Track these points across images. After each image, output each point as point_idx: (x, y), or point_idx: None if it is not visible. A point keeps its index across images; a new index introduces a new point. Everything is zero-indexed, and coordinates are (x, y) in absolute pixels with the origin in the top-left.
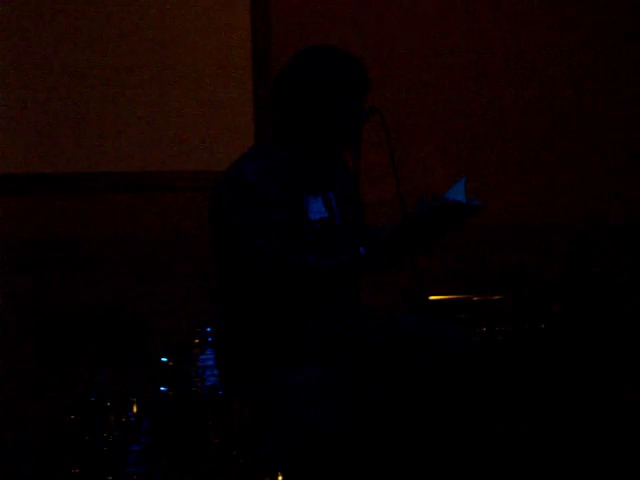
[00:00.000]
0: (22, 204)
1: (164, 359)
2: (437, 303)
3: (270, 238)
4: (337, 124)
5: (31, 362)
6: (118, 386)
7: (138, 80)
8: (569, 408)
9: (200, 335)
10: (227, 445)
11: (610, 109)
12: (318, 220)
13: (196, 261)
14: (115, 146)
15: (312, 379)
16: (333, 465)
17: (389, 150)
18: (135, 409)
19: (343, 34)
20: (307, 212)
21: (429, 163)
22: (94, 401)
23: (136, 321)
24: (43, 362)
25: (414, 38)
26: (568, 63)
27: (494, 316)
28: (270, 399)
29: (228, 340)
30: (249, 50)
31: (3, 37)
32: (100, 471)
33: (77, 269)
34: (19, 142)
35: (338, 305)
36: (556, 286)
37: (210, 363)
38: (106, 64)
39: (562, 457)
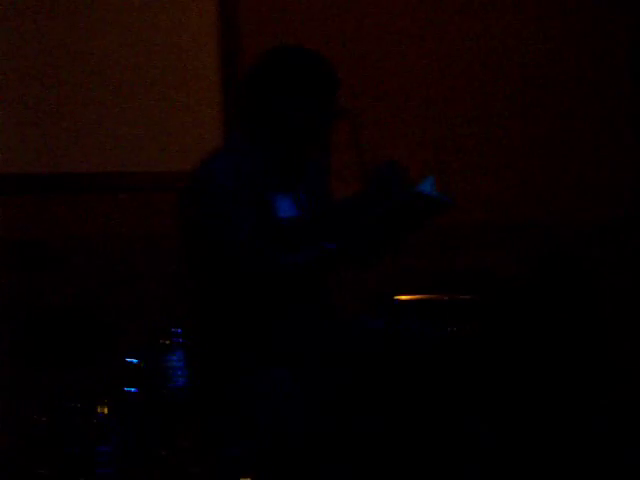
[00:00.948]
0: None
1: (133, 360)
2: (405, 303)
3: (241, 234)
4: (301, 124)
5: (0, 362)
6: (87, 387)
7: (109, 83)
8: (544, 409)
9: (169, 336)
10: (196, 446)
11: (590, 106)
12: (287, 218)
13: (166, 261)
14: (84, 147)
15: (281, 380)
16: (302, 467)
17: (357, 148)
18: (104, 410)
19: (315, 35)
20: (276, 210)
21: (398, 160)
22: (63, 402)
23: (105, 321)
24: (12, 362)
25: (389, 39)
26: (547, 61)
27: (463, 316)
28: (239, 400)
29: (199, 341)
30: (217, 50)
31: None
32: (69, 472)
33: (46, 269)
34: None
35: (307, 306)
36: (528, 285)
37: (179, 364)
38: (77, 68)
39: (539, 459)
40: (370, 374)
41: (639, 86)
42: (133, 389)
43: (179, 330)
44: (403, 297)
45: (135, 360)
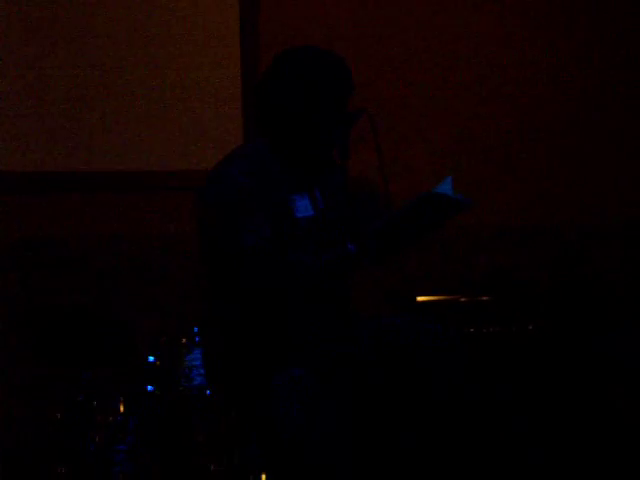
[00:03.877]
0: (8, 203)
1: (151, 358)
2: (424, 304)
3: (258, 235)
4: (319, 128)
5: (18, 361)
6: (105, 385)
7: (128, 80)
8: (558, 410)
9: (187, 335)
10: (213, 444)
11: (602, 109)
12: (304, 218)
13: (184, 261)
14: (103, 145)
15: (298, 380)
16: (319, 467)
17: (377, 150)
18: (122, 408)
19: (332, 34)
20: (293, 210)
21: (417, 163)
22: (81, 400)
23: (123, 320)
24: (30, 361)
25: (404, 37)
26: (560, 61)
27: (481, 317)
28: (256, 399)
29: (215, 340)
30: (238, 49)
31: (2, 39)
32: (86, 471)
33: (64, 268)
34: (8, 140)
35: (326, 306)
36: (544, 287)
37: (197, 363)
38: (97, 64)
39: (552, 459)
40: (388, 373)
41: None
42: (150, 387)
43: (196, 329)
44: (423, 298)
45: (152, 359)
